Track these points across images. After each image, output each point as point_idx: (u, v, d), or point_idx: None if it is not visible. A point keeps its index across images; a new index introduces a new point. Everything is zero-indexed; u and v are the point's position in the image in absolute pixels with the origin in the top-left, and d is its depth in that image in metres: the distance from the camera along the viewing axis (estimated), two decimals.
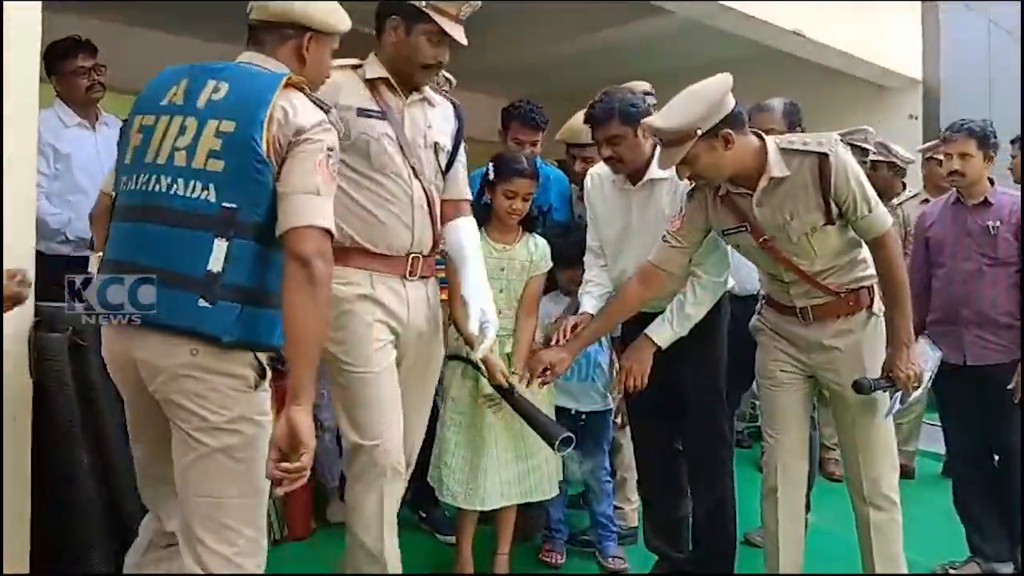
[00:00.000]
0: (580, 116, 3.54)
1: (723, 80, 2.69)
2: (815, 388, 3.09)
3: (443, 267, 3.67)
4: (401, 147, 2.67)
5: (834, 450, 5.06)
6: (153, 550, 2.38)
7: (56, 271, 2.45)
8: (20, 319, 2.73)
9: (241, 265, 2.02)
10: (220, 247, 2.00)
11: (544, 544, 3.68)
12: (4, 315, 2.61)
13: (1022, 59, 7.85)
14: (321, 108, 2.15)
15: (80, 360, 2.78)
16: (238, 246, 2.02)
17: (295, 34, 2.25)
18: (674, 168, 2.75)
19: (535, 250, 3.33)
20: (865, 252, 2.89)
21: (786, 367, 3.04)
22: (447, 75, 4.13)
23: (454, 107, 2.90)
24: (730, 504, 3.27)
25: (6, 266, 2.35)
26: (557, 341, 3.08)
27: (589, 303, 3.25)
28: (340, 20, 2.32)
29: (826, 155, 2.68)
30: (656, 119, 2.72)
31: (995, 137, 3.63)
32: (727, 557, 3.29)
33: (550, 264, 3.37)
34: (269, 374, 2.13)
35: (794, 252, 2.82)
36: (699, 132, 2.63)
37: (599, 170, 3.32)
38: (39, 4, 2.76)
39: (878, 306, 2.91)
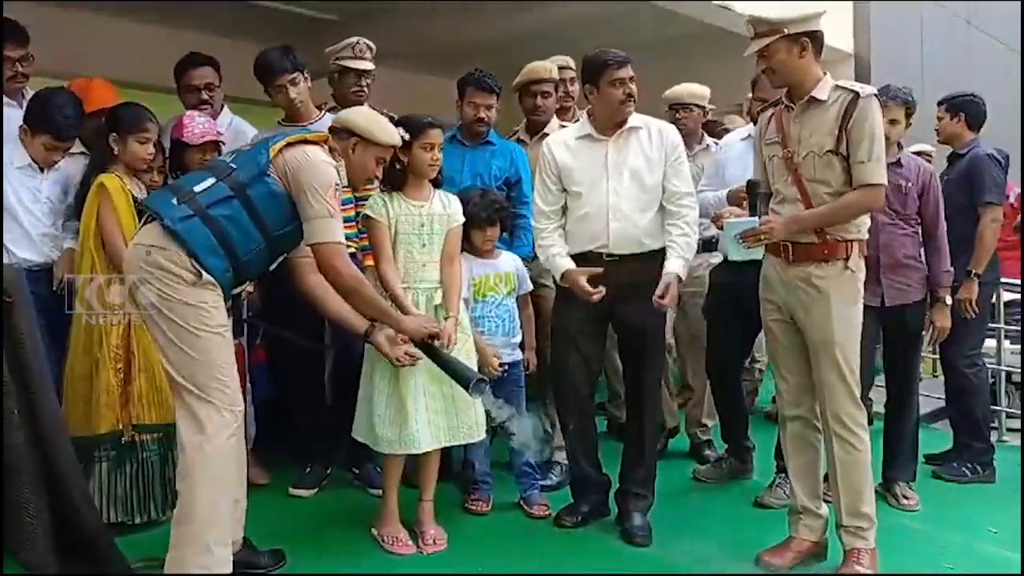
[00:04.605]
0: (537, 62, 4.44)
1: (821, 11, 3.25)
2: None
3: (366, 235, 3.84)
4: None
5: None
6: None
7: None
8: None
9: (211, 196, 2.79)
10: (208, 182, 2.82)
11: (471, 494, 3.86)
12: None
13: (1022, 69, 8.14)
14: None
15: (7, 316, 2.91)
16: (219, 186, 2.81)
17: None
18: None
19: (449, 204, 3.54)
20: (863, 218, 3.24)
21: (775, 315, 3.35)
22: (367, 42, 4.29)
23: None
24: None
25: None
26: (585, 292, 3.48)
27: (565, 261, 3.59)
28: None
29: (858, 94, 3.14)
30: (755, 13, 3.24)
31: (915, 106, 4.10)
32: (648, 481, 3.68)
33: (463, 218, 3.57)
34: (207, 277, 2.74)
35: (804, 170, 3.19)
36: (785, 31, 3.13)
37: (557, 136, 3.78)
38: None
39: (855, 263, 3.21)
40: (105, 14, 6.73)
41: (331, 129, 3.13)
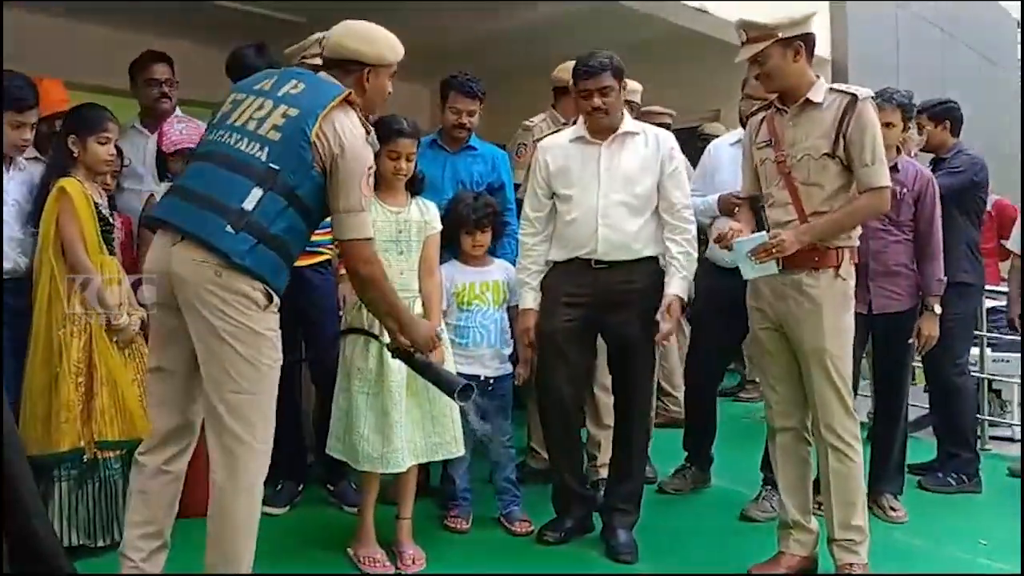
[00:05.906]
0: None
1: (812, 12, 3.16)
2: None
3: None
4: None
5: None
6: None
7: None
8: None
9: (267, 212, 2.50)
10: (256, 193, 2.48)
11: (450, 511, 3.73)
12: None
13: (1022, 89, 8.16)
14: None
15: None
16: (270, 198, 2.49)
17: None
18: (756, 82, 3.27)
19: (426, 211, 3.42)
20: None
21: (763, 323, 3.26)
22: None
23: None
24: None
25: None
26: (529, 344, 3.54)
27: (531, 298, 3.54)
28: None
29: (856, 97, 3.05)
30: (747, 16, 3.14)
31: (913, 110, 4.06)
32: (634, 496, 3.57)
33: (440, 225, 3.45)
34: (276, 300, 2.57)
35: (797, 173, 3.10)
36: (778, 35, 3.03)
37: (552, 140, 3.67)
38: None
39: (846, 271, 3.12)
40: (64, 16, 6.54)
41: (329, 62, 2.78)
